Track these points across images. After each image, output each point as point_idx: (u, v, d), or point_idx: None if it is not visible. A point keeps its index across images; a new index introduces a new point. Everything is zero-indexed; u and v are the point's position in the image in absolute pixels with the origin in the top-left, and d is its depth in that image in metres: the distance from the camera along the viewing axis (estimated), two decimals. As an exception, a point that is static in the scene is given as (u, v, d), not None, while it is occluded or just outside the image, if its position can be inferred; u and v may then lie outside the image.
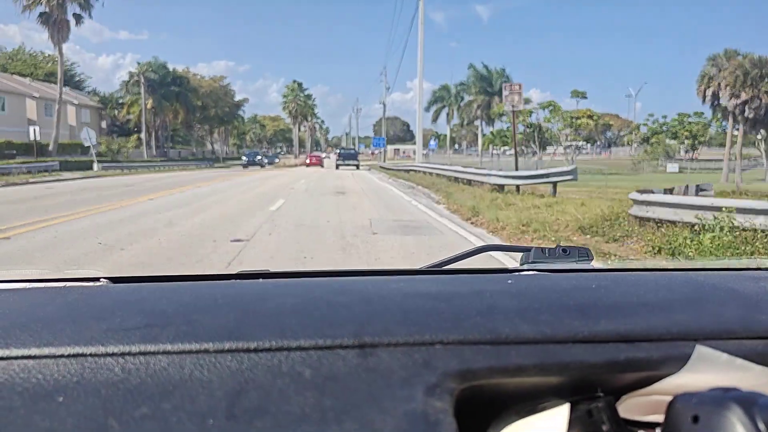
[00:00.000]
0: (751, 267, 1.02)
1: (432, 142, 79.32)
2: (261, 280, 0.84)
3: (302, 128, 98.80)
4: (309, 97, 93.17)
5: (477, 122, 56.78)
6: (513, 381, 0.51)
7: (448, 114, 67.24)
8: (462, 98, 60.24)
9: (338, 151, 49.59)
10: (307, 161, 51.38)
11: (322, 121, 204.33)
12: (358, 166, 44.00)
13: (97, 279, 0.82)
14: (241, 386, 0.45)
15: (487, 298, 0.64)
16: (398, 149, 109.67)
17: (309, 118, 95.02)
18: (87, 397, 0.44)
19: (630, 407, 0.53)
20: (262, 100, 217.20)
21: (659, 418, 0.50)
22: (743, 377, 0.50)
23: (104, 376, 0.46)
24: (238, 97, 76.65)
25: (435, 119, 68.44)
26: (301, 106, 78.43)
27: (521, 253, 1.07)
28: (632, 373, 0.52)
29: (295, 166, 55.88)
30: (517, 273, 0.92)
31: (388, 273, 0.93)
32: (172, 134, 72.95)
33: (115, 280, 0.82)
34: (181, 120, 62.65)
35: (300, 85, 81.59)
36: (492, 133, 49.87)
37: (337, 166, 43.61)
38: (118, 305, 0.62)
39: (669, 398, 0.48)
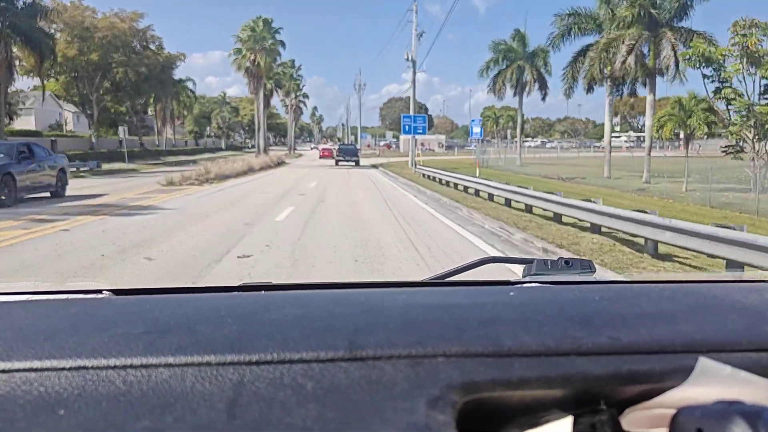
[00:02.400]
0: (755, 279, 1.00)
1: (476, 130, 52.40)
2: (263, 292, 0.85)
3: (280, 108, 71.00)
4: (290, 64, 65.39)
5: (597, 87, 28.99)
6: (516, 393, 0.50)
7: (520, 81, 39.64)
8: (556, 48, 31.93)
9: (337, 146, 45.10)
10: (320, 154, 48.47)
11: (315, 108, 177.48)
12: (357, 162, 38.53)
13: (100, 291, 0.83)
14: (243, 399, 0.45)
15: (489, 310, 0.63)
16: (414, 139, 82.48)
17: (293, 92, 66.98)
18: (88, 409, 0.43)
19: (633, 420, 0.52)
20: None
21: (663, 431, 0.49)
22: (747, 390, 0.49)
23: (106, 388, 0.46)
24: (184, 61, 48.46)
25: (497, 90, 40.93)
26: (269, 60, 45.24)
27: (523, 266, 1.06)
28: (636, 386, 0.52)
29: (229, 175, 27.11)
30: (519, 285, 0.92)
31: (390, 285, 0.94)
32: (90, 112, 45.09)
33: (117, 292, 0.83)
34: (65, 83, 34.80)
35: (267, 23, 45.40)
36: (683, 103, 22.19)
37: (337, 162, 38.26)
38: (120, 317, 0.63)
39: (673, 411, 0.47)
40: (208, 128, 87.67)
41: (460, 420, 0.46)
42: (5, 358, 0.50)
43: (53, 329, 0.57)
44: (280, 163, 39.20)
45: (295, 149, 73.96)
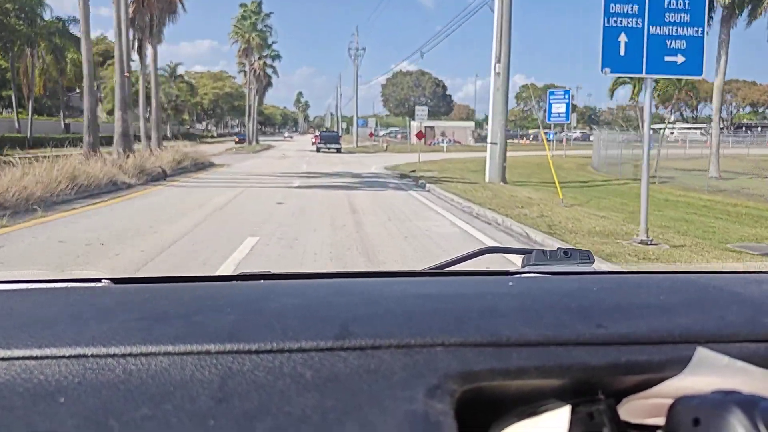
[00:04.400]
0: (754, 270, 1.00)
1: (558, 109, 30.98)
2: (262, 281, 0.85)
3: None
4: (254, 8, 42.81)
5: None
6: (514, 383, 0.51)
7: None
8: None
9: (318, 132, 44.56)
10: (313, 141, 43.58)
11: (300, 94, 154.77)
12: (339, 149, 37.12)
13: (99, 280, 0.83)
14: (242, 387, 0.45)
15: (488, 300, 0.64)
16: (431, 127, 59.88)
17: (255, 50, 43.89)
18: (88, 397, 0.44)
19: (631, 410, 0.53)
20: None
21: (660, 420, 0.49)
22: (744, 380, 0.49)
23: (105, 376, 0.46)
24: None
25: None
26: None
27: (523, 256, 1.07)
28: (634, 376, 0.52)
29: None
30: (518, 275, 0.92)
31: (389, 275, 0.95)
32: None
33: (116, 280, 0.83)
34: None
35: None
36: None
37: (318, 149, 36.81)
38: (119, 306, 0.63)
39: (670, 401, 0.48)
40: (148, 109, 64.78)
41: (459, 409, 0.46)
42: (5, 346, 0.49)
43: (52, 318, 0.57)
44: (158, 179, 14.98)
45: (257, 141, 50.50)
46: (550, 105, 32.53)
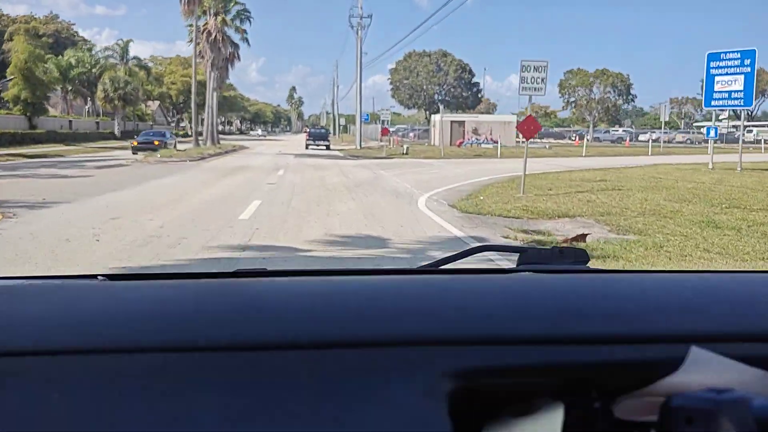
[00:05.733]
0: (746, 270, 1.06)
1: (724, 88, 16.43)
2: (259, 278, 0.85)
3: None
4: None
5: None
6: (509, 381, 0.51)
7: None
8: None
9: (308, 130, 43.74)
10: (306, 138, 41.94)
11: (294, 89, 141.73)
12: (328, 146, 37.67)
13: (95, 277, 0.83)
14: (239, 384, 0.45)
15: (483, 299, 0.64)
16: (461, 122, 45.63)
17: (212, 8, 29.96)
18: (82, 394, 0.44)
19: (625, 408, 0.53)
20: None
21: (654, 419, 0.50)
22: (737, 379, 0.50)
23: (101, 373, 0.46)
24: None
25: None
26: None
27: (518, 254, 1.09)
28: (628, 374, 0.53)
29: None
30: (513, 274, 0.94)
31: (385, 273, 0.97)
32: None
33: (112, 278, 0.83)
34: None
35: None
36: None
37: (307, 146, 37.34)
38: (115, 303, 0.63)
39: (663, 399, 0.48)
40: (88, 102, 50.51)
41: (454, 407, 0.46)
42: (0, 342, 0.50)
43: (49, 315, 0.57)
44: None
45: (215, 140, 35.35)
46: (710, 79, 18.26)
